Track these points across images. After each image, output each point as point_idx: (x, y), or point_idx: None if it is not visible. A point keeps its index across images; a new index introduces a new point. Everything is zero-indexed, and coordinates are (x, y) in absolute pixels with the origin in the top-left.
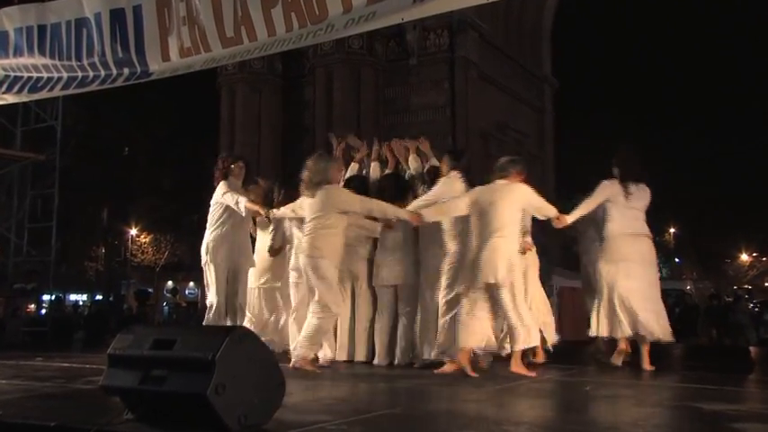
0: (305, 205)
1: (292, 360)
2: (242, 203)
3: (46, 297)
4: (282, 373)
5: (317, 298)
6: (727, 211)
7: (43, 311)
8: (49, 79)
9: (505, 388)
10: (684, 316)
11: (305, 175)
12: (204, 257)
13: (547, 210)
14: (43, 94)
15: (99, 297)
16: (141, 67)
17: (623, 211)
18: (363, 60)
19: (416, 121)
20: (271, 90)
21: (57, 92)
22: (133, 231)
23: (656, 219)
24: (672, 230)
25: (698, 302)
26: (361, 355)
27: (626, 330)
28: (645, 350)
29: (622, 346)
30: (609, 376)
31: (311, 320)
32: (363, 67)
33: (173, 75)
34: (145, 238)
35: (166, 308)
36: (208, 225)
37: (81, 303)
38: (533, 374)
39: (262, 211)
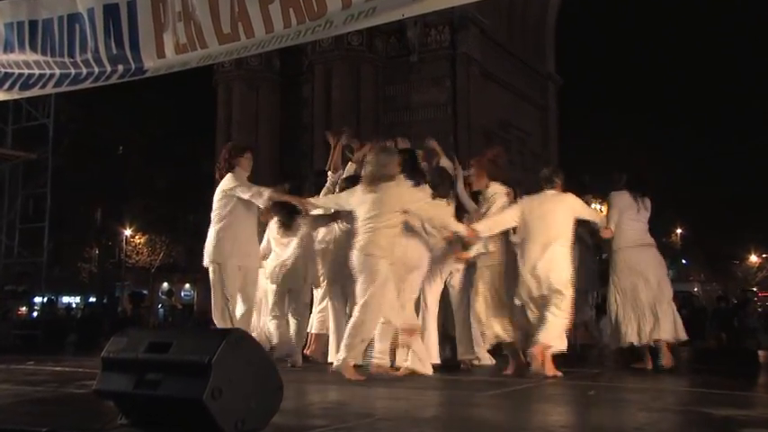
0: (356, 200)
1: (333, 366)
2: (266, 194)
3: (38, 299)
4: (280, 376)
5: (367, 299)
6: (730, 211)
7: (35, 314)
8: (41, 76)
9: (508, 392)
10: (692, 318)
11: (367, 169)
12: (208, 256)
13: (593, 220)
14: (35, 92)
15: (92, 299)
16: (136, 63)
17: (632, 223)
18: (363, 57)
19: (417, 119)
20: (268, 88)
21: (49, 89)
22: (128, 232)
23: (661, 219)
24: (678, 231)
25: (705, 305)
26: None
27: (657, 334)
28: (666, 350)
29: (666, 354)
30: (613, 380)
31: (354, 321)
32: (363, 64)
33: (168, 72)
34: (140, 238)
35: (162, 310)
36: (212, 221)
37: (74, 306)
38: (558, 373)
39: (295, 201)
